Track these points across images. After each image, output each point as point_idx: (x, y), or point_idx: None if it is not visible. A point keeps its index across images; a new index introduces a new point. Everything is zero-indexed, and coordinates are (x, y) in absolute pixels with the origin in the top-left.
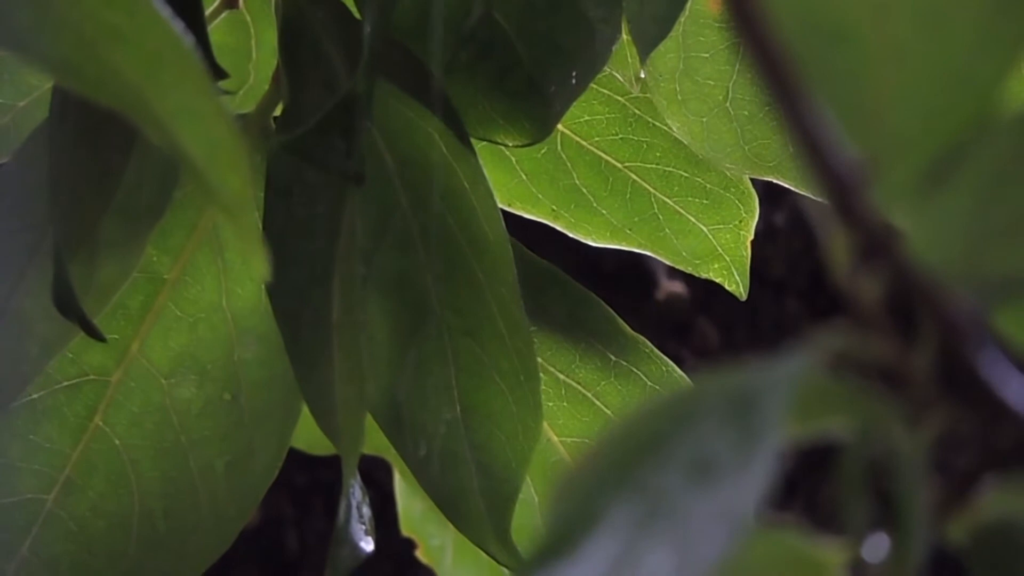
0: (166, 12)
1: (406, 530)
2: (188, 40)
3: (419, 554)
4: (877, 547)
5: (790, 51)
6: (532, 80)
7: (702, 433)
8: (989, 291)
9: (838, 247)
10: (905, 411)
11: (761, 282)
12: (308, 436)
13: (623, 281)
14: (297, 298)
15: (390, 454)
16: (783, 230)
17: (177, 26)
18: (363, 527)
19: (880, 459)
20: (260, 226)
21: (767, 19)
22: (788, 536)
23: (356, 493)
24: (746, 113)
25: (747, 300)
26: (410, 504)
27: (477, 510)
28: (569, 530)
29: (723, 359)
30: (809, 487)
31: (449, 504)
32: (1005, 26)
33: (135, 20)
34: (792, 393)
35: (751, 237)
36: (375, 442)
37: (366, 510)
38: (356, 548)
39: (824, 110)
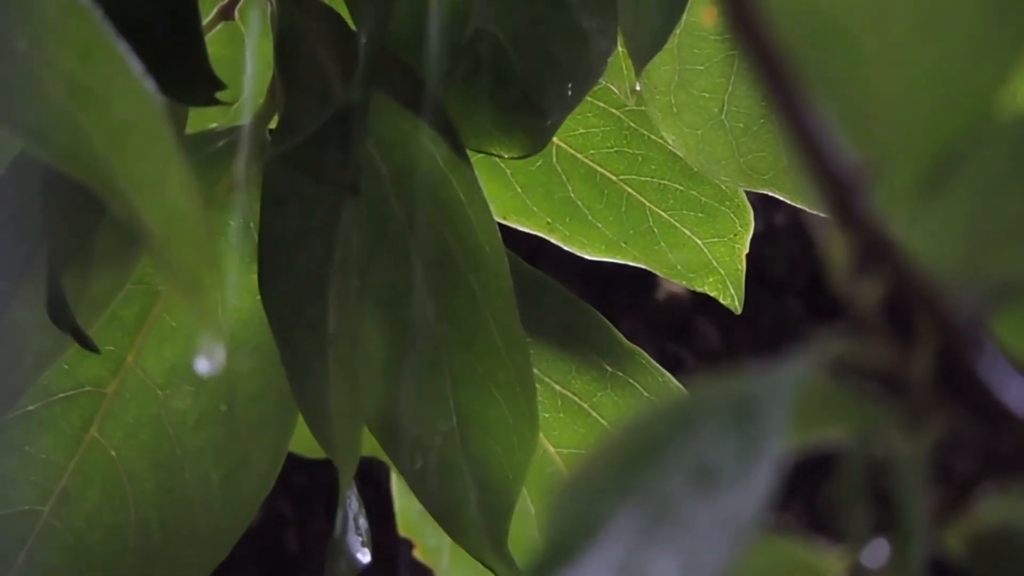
0: (139, 70)
1: (403, 530)
2: (159, 102)
3: (417, 554)
4: (876, 553)
5: (789, 54)
6: (528, 92)
7: (703, 440)
8: (988, 295)
9: (837, 251)
10: (904, 416)
11: (761, 282)
12: (308, 440)
13: (623, 281)
14: (292, 309)
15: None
16: (783, 230)
17: (149, 86)
18: (360, 538)
19: (880, 464)
20: (216, 308)
21: (766, 21)
22: (787, 541)
23: (352, 504)
24: (741, 125)
25: (747, 300)
26: (407, 504)
27: (474, 522)
28: (570, 537)
29: (723, 360)
30: (807, 491)
31: (446, 516)
32: (1003, 30)
33: (110, 81)
34: (792, 399)
35: (746, 250)
36: (373, 444)
37: (362, 521)
38: (352, 560)
39: (824, 113)
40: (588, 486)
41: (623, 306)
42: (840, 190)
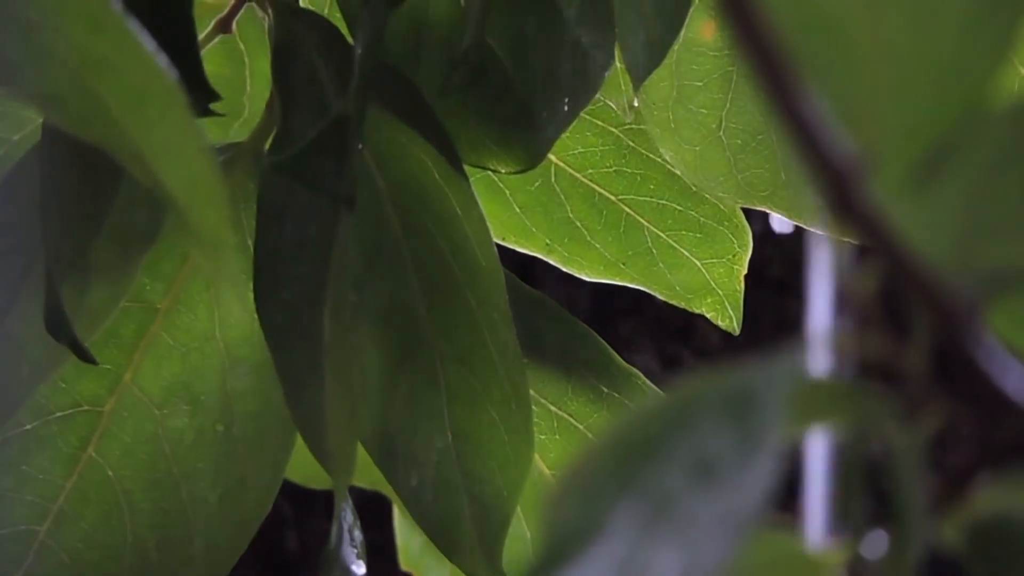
0: (151, 45)
1: (405, 565)
2: (172, 74)
3: None
4: (875, 545)
5: (785, 46)
6: (525, 106)
7: (702, 434)
8: (984, 284)
9: (834, 241)
10: (901, 407)
11: (761, 282)
12: (304, 469)
13: None
14: (288, 320)
15: (388, 488)
16: (782, 230)
17: (162, 60)
18: (354, 550)
19: (878, 456)
20: (236, 264)
21: (762, 13)
22: (785, 536)
23: (347, 516)
24: (739, 142)
25: (747, 300)
26: (409, 539)
27: (469, 539)
28: (572, 534)
29: (723, 359)
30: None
31: (441, 533)
32: (993, 20)
33: (121, 51)
34: (790, 391)
35: (744, 271)
36: (373, 476)
37: (357, 533)
38: (347, 572)
39: (820, 105)
40: (587, 483)
41: (623, 307)
42: (837, 181)
